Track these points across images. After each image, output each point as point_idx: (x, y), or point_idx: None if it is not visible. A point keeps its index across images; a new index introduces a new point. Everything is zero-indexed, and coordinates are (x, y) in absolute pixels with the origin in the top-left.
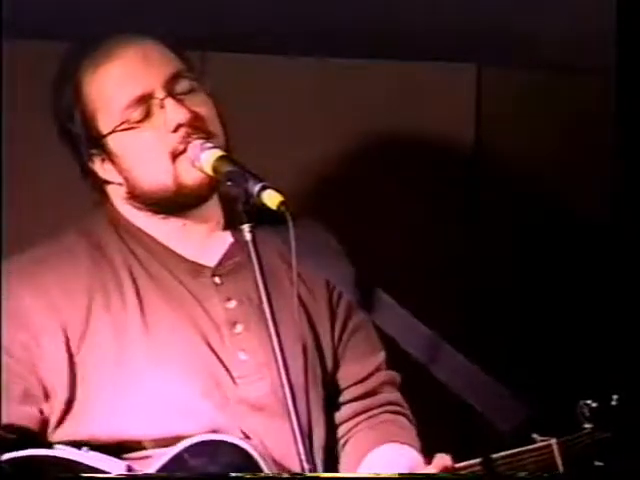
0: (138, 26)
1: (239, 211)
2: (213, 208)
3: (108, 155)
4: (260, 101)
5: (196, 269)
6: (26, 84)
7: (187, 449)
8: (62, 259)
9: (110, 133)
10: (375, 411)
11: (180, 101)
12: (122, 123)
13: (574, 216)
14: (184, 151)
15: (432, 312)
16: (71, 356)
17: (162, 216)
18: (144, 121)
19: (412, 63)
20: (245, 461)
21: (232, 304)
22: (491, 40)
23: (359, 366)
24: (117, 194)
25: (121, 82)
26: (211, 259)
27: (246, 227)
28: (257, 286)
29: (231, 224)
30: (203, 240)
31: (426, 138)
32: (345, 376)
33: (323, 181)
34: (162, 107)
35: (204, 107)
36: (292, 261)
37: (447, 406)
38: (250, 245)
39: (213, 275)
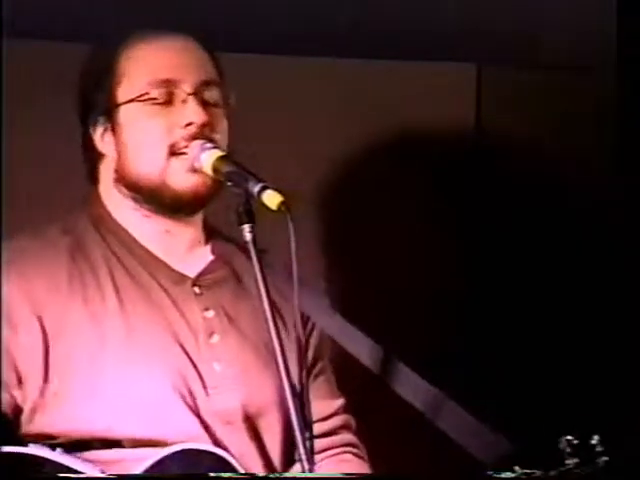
0: (138, 26)
1: (239, 212)
2: (196, 224)
3: (113, 125)
4: (262, 101)
5: (176, 276)
6: (26, 84)
7: (167, 457)
8: (45, 253)
9: (126, 102)
10: (337, 450)
11: (203, 104)
12: (141, 95)
13: (574, 216)
14: (183, 149)
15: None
16: (46, 348)
17: (145, 212)
18: (161, 105)
19: (412, 63)
20: (226, 469)
21: (210, 314)
22: (491, 40)
23: (323, 405)
24: (108, 173)
25: (156, 61)
26: (191, 271)
27: (246, 227)
28: (254, 289)
29: (211, 241)
30: (184, 252)
31: (426, 138)
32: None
33: (324, 181)
34: (184, 102)
35: (220, 119)
36: (292, 261)
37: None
38: (250, 245)
39: (193, 285)
